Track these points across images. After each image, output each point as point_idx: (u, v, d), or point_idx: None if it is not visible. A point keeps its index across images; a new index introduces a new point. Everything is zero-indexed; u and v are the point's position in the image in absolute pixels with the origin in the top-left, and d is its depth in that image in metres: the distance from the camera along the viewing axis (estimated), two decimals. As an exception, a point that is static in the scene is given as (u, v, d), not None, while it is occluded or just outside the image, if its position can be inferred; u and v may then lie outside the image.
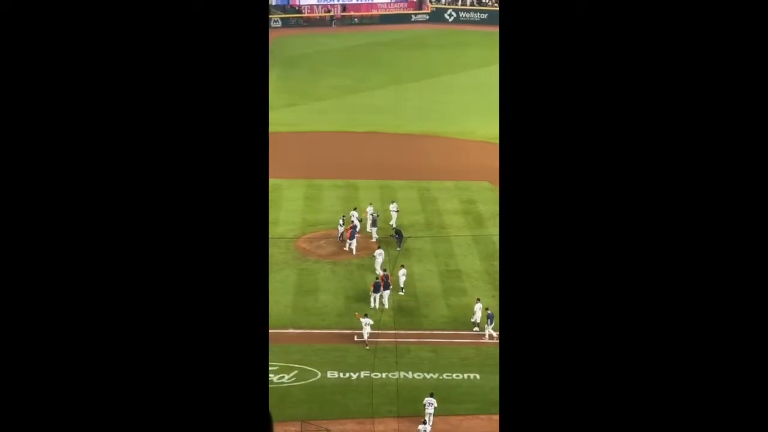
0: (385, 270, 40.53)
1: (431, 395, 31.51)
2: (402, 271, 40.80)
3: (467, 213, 49.77)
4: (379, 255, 42.31)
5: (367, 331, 36.29)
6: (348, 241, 44.66)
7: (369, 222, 46.13)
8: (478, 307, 37.61)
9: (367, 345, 36.16)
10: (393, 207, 47.61)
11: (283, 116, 65.23)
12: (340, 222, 45.80)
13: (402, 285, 40.50)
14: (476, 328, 37.30)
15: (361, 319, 36.52)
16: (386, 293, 39.25)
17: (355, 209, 46.93)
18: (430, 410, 31.10)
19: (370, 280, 40.45)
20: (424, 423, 30.75)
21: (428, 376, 34.10)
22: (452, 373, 34.56)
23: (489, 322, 36.66)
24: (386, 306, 39.01)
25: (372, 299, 39.20)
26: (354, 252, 44.24)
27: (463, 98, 71.57)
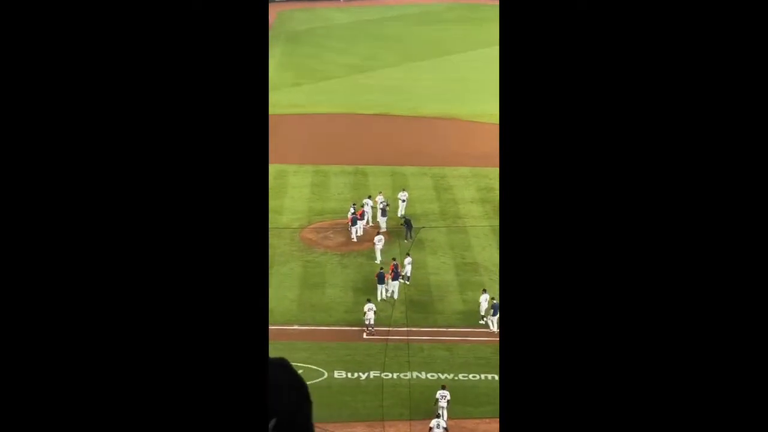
0: (394, 259, 40.42)
1: (443, 388, 31.43)
2: (408, 260, 40.66)
3: (485, 201, 49.57)
4: (379, 242, 42.23)
5: (371, 317, 36.24)
6: (350, 227, 44.58)
7: (379, 211, 45.95)
8: (483, 298, 37.36)
9: (370, 332, 36.12)
10: (402, 195, 47.41)
11: (288, 97, 65.24)
12: (351, 211, 45.57)
13: (408, 274, 40.38)
14: (483, 321, 37.13)
15: (365, 306, 36.53)
16: (395, 284, 39.15)
17: (369, 197, 46.78)
18: (443, 403, 30.85)
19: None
20: (438, 416, 30.51)
21: (442, 377, 33.94)
22: (468, 373, 34.41)
23: (493, 313, 36.39)
24: (395, 296, 38.92)
25: (379, 291, 39.10)
26: (355, 239, 44.20)
27: (480, 78, 71.21)
